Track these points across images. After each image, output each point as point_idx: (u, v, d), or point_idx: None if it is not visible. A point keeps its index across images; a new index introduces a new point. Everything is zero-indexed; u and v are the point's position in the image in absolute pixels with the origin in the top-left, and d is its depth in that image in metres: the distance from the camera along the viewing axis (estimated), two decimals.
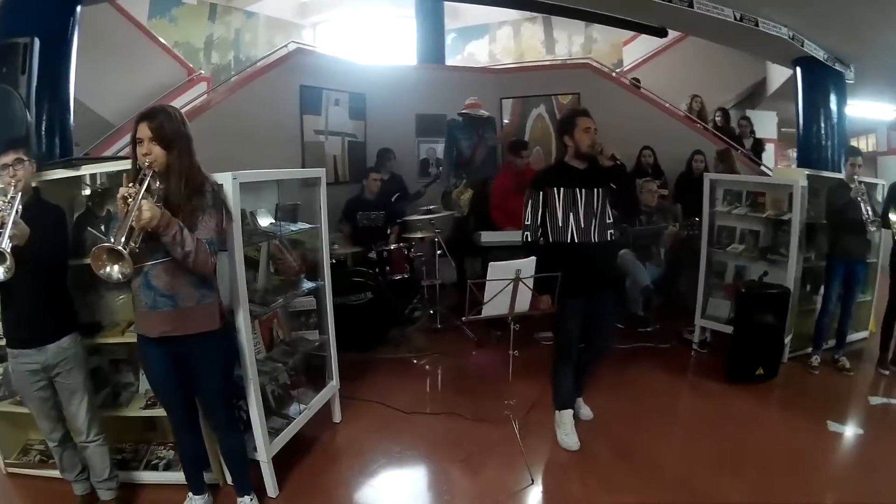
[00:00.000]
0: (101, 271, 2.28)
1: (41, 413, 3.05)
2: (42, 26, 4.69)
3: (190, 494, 3.10)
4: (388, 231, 6.37)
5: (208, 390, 2.85)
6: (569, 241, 3.58)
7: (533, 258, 3.45)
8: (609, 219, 3.61)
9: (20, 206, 2.71)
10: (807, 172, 5.37)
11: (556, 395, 3.89)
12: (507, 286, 3.36)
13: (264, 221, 3.69)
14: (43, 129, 4.70)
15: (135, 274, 2.50)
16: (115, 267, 2.28)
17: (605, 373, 4.75)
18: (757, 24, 6.37)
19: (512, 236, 5.65)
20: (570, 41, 11.51)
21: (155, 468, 3.44)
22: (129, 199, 2.34)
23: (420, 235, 6.02)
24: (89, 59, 6.60)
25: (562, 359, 3.82)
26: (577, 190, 3.57)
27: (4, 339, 3.00)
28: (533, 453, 3.64)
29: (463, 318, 3.59)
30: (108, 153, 5.83)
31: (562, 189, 3.58)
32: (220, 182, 2.84)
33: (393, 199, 6.59)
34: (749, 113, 9.56)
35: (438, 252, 5.95)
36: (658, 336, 5.84)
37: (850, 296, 5.19)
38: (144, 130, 2.52)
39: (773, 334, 4.81)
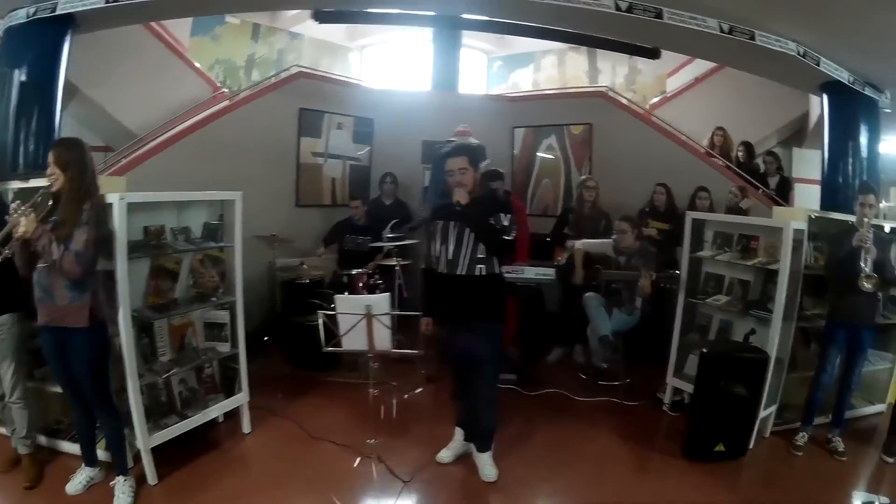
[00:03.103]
0: None
1: None
2: (35, 52, 5.59)
3: (83, 465, 3.81)
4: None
5: (80, 377, 3.49)
6: (439, 270, 3.97)
7: (386, 295, 3.84)
8: (480, 254, 3.88)
9: None
10: (812, 214, 5.05)
11: None
12: (359, 322, 3.73)
13: None
14: (31, 142, 5.51)
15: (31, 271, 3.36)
16: None
17: (544, 427, 4.99)
18: (753, 38, 5.81)
19: None
20: (614, 72, 11.67)
21: (73, 440, 4.04)
22: (14, 214, 3.13)
23: (388, 263, 6.39)
24: (118, 73, 7.54)
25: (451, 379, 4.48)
26: (452, 224, 3.93)
27: None
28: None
29: (323, 350, 3.95)
30: (127, 160, 6.61)
31: (440, 222, 4.01)
32: (107, 202, 3.55)
33: (390, 226, 6.97)
34: (796, 151, 9.36)
35: (399, 281, 6.28)
36: (628, 392, 5.73)
37: (852, 365, 4.72)
38: (49, 156, 3.32)
39: (741, 406, 4.47)
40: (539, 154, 8.63)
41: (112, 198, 3.58)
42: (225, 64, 10.82)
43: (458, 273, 3.91)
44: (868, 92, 6.71)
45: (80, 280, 3.31)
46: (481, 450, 4.21)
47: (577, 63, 12.03)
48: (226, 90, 9.03)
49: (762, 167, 8.16)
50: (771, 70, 6.98)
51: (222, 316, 4.54)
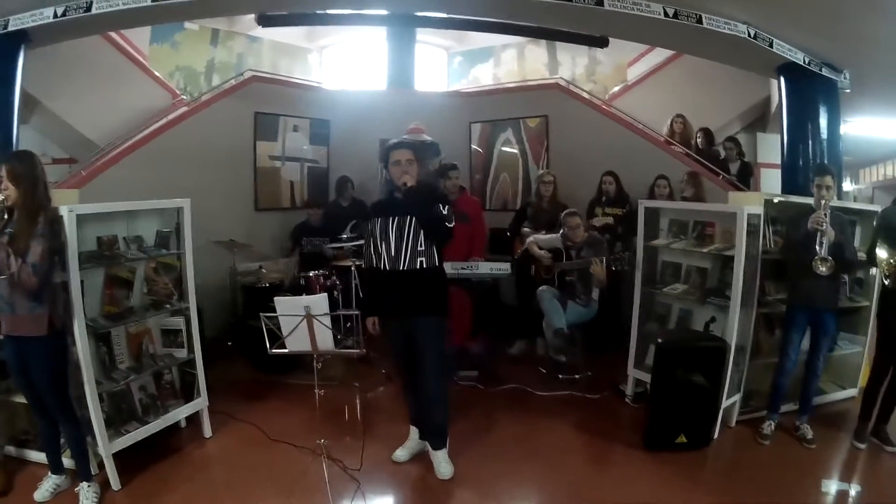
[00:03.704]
0: None
1: None
2: None
3: (49, 473, 3.89)
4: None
5: (39, 384, 3.61)
6: (381, 268, 4.04)
7: (324, 295, 3.85)
8: (421, 246, 3.96)
9: None
10: (771, 198, 5.07)
11: None
12: (301, 322, 3.74)
13: None
14: None
15: None
16: None
17: (503, 423, 5.04)
18: (700, 21, 5.70)
19: None
20: (574, 63, 11.78)
21: (41, 449, 4.09)
22: None
23: (343, 264, 6.48)
24: (78, 85, 7.61)
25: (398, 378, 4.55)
26: (391, 219, 4.00)
27: None
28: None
29: (268, 352, 3.94)
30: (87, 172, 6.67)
31: (379, 219, 4.06)
32: (60, 215, 3.64)
33: (349, 226, 7.07)
34: (760, 136, 9.43)
35: (355, 282, 6.34)
36: (589, 385, 5.77)
37: (816, 351, 4.67)
38: (2, 170, 3.41)
39: (702, 396, 4.43)
40: (498, 148, 8.75)
41: (62, 210, 3.68)
42: (185, 71, 10.88)
43: (401, 268, 3.97)
44: (826, 72, 6.64)
45: (37, 291, 3.42)
46: (436, 447, 4.26)
47: (536, 56, 12.15)
48: (185, 97, 9.09)
49: (722, 153, 8.15)
50: (725, 54, 6.95)
51: (178, 322, 4.63)
